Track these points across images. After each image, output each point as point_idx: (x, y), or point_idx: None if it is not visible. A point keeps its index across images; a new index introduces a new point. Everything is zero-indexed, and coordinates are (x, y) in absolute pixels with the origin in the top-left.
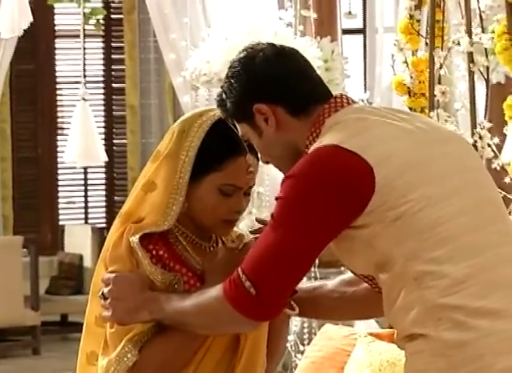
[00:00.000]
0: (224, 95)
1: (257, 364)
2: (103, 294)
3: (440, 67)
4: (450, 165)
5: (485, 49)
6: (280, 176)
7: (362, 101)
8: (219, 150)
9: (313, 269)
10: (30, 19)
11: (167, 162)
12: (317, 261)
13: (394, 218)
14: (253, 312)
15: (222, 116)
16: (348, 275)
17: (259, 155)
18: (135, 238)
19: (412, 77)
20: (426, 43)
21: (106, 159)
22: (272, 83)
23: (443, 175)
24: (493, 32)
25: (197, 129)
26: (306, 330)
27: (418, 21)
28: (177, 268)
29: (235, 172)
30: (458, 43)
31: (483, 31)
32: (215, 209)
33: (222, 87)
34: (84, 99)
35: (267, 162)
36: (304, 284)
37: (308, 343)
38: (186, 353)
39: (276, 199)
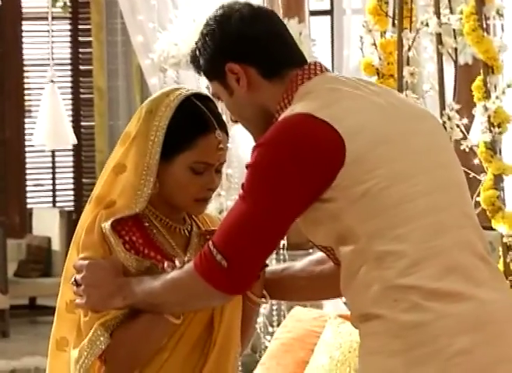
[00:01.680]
0: (197, 52)
1: (230, 348)
2: (75, 280)
3: (409, 49)
4: (420, 144)
5: (454, 30)
6: (248, 156)
7: None
8: (188, 128)
9: (281, 251)
10: None
11: (136, 144)
12: (285, 243)
13: (360, 195)
14: (225, 285)
15: (194, 71)
16: (317, 255)
17: (230, 117)
18: (106, 225)
19: (380, 58)
20: (394, 24)
21: (76, 142)
22: (246, 43)
23: (412, 153)
24: (461, 13)
25: (164, 108)
26: (275, 312)
27: (386, 3)
28: (152, 255)
29: (206, 149)
30: (427, 25)
31: (451, 12)
32: (187, 188)
33: (196, 43)
34: (52, 82)
35: (236, 122)
36: (273, 266)
37: (277, 325)
38: (157, 336)
39: (246, 167)
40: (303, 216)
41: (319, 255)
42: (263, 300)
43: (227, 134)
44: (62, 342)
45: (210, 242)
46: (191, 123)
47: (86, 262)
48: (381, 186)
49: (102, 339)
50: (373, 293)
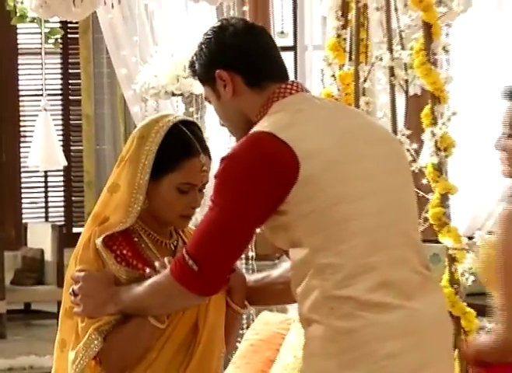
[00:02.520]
0: (195, 58)
1: (214, 348)
2: (73, 291)
3: (365, 81)
4: (371, 167)
5: (405, 64)
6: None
7: None
8: (175, 152)
9: (250, 261)
10: None
11: (129, 166)
12: (253, 254)
13: (308, 211)
14: (197, 287)
15: (191, 76)
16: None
17: (219, 120)
18: (98, 241)
19: (339, 89)
20: (351, 59)
21: (66, 164)
22: (236, 54)
23: (361, 175)
24: (412, 48)
25: (154, 134)
26: (245, 316)
27: (344, 39)
28: (140, 266)
29: (190, 171)
30: (380, 59)
31: (403, 48)
32: (173, 205)
33: (195, 52)
34: (45, 110)
35: (222, 125)
36: (254, 275)
37: (247, 328)
38: (144, 339)
39: (214, 177)
40: (266, 224)
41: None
42: (243, 310)
43: (210, 158)
44: (62, 343)
45: (184, 249)
46: (177, 148)
47: (83, 274)
48: (327, 205)
49: (96, 342)
50: (313, 300)
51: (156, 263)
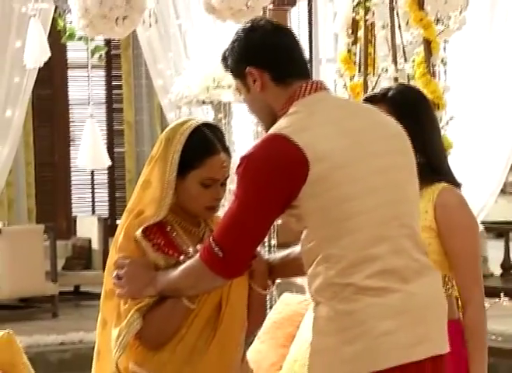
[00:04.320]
0: (227, 53)
1: (234, 324)
2: (117, 275)
3: (372, 90)
4: (380, 165)
5: (408, 75)
6: None
7: None
8: (198, 151)
9: (272, 249)
10: (49, 53)
11: (159, 164)
12: (275, 242)
13: (316, 208)
14: (222, 271)
15: (223, 69)
16: None
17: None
18: (138, 233)
19: (350, 97)
20: (360, 70)
21: (110, 164)
22: (264, 52)
23: (370, 173)
24: (413, 61)
25: (179, 136)
26: (268, 297)
27: (354, 54)
28: (171, 253)
29: (212, 167)
30: (386, 71)
31: (406, 61)
32: (198, 198)
33: (228, 48)
34: (91, 117)
35: (252, 113)
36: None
37: (270, 308)
38: (177, 318)
39: (236, 174)
40: (284, 214)
41: None
42: (265, 291)
43: (229, 155)
44: (103, 322)
45: (211, 237)
46: (200, 147)
47: (127, 260)
48: (333, 204)
49: (138, 321)
50: (318, 284)
51: (190, 249)
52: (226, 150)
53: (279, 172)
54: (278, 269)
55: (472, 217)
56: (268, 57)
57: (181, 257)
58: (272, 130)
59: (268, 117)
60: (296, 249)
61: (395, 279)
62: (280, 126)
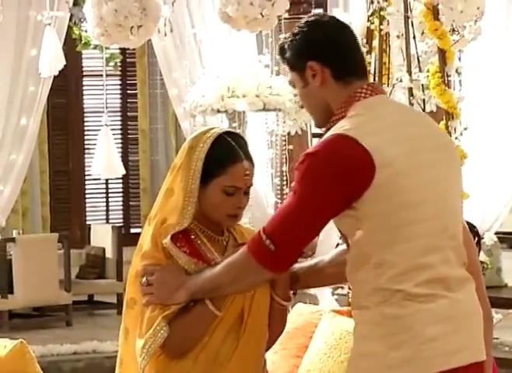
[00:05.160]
0: (286, 46)
1: (258, 334)
2: (147, 280)
3: None
4: (434, 175)
5: (422, 85)
6: (264, 185)
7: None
8: (221, 159)
9: None
10: (64, 62)
11: (181, 172)
12: None
13: (374, 213)
14: (271, 264)
15: (280, 60)
16: (340, 248)
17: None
18: (166, 240)
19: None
20: (375, 80)
21: (124, 172)
22: (327, 48)
23: (425, 183)
24: (428, 71)
25: (202, 144)
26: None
27: (369, 63)
28: (195, 260)
29: (234, 175)
30: (401, 80)
31: (420, 71)
32: (220, 206)
33: (285, 39)
34: (106, 125)
35: (302, 107)
36: (307, 262)
37: None
38: (204, 324)
39: (295, 169)
40: (341, 215)
41: (341, 248)
42: (287, 303)
43: (253, 164)
44: (125, 331)
45: (260, 229)
46: (223, 155)
47: (157, 267)
48: (391, 211)
49: (164, 329)
50: (367, 289)
51: (217, 257)
52: (249, 158)
53: (344, 173)
54: (304, 278)
55: None
56: (330, 53)
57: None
58: (338, 131)
59: (323, 114)
60: (324, 258)
61: (442, 287)
62: (345, 127)
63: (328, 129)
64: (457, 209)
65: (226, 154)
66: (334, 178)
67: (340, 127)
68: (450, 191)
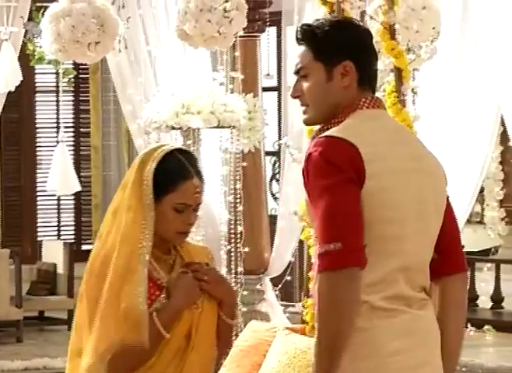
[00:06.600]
0: (318, 31)
1: (205, 353)
2: None
3: None
4: (413, 196)
5: None
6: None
7: (280, 145)
8: (171, 175)
9: (239, 276)
10: (20, 78)
11: (133, 187)
12: (241, 269)
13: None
14: (351, 259)
15: (301, 44)
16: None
17: (292, 92)
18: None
19: None
20: None
21: (80, 189)
22: (365, 53)
23: (404, 204)
24: (384, 90)
25: (153, 160)
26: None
27: None
28: (152, 292)
29: (185, 192)
30: None
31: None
32: (171, 223)
33: (312, 24)
34: (61, 141)
35: (295, 97)
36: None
37: (236, 336)
38: (155, 347)
39: (305, 172)
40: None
41: None
42: (233, 321)
43: (203, 181)
44: (79, 351)
45: (318, 246)
46: (173, 172)
47: None
48: (374, 222)
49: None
50: None
51: (163, 275)
52: (200, 175)
53: (345, 160)
54: None
55: None
56: (366, 59)
57: (158, 293)
58: (338, 134)
59: (326, 113)
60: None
61: (403, 304)
62: (345, 132)
63: (322, 129)
64: (433, 233)
65: (176, 171)
66: (338, 163)
67: (339, 131)
68: (427, 212)
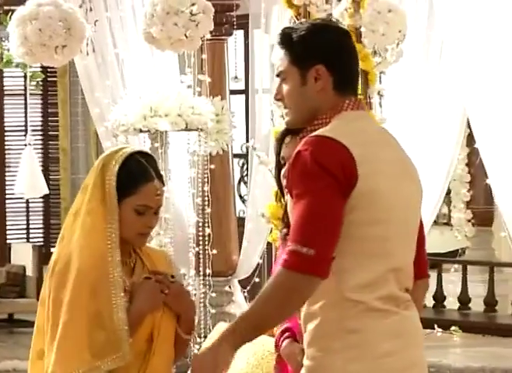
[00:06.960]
0: (295, 37)
1: (165, 356)
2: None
3: None
4: (400, 199)
5: None
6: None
7: (248, 148)
8: (133, 178)
9: (207, 278)
10: None
11: (94, 190)
12: (210, 271)
13: (349, 221)
14: (318, 268)
15: (281, 47)
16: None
17: (275, 95)
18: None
19: None
20: None
21: (48, 192)
22: (338, 56)
23: (393, 206)
24: None
25: (114, 162)
26: (202, 326)
27: None
28: None
29: (146, 194)
30: None
31: None
32: (131, 225)
33: (293, 27)
34: (30, 145)
35: (278, 100)
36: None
37: (204, 337)
38: None
39: (288, 176)
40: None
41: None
42: (188, 336)
43: (163, 184)
44: (41, 353)
45: (291, 243)
46: (134, 174)
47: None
48: (365, 222)
49: None
50: (329, 298)
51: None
52: (160, 178)
53: (334, 162)
54: None
55: None
56: (339, 63)
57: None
58: (328, 134)
59: (307, 116)
60: None
61: (394, 304)
62: (333, 132)
63: (307, 130)
64: (413, 237)
65: (138, 173)
66: (327, 166)
67: (330, 131)
68: (409, 218)
